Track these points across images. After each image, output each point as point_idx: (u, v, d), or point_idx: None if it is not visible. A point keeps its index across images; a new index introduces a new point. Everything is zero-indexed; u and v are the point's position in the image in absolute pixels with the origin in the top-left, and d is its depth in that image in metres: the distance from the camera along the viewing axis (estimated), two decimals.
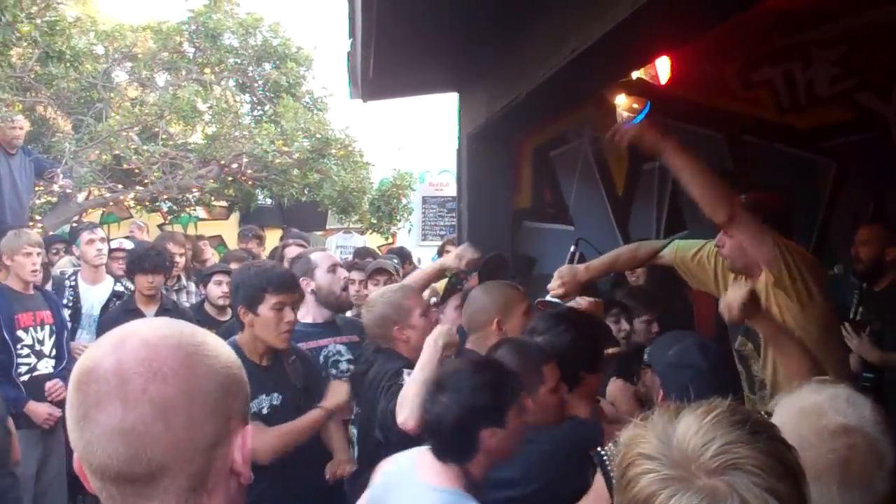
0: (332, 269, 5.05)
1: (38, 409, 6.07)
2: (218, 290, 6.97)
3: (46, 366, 6.27)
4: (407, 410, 3.39)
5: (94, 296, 7.08)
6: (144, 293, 6.61)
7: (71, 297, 6.99)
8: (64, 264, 8.07)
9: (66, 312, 6.89)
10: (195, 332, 1.42)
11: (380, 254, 10.76)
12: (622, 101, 6.99)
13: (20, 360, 6.12)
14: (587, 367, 3.57)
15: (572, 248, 5.15)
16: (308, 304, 4.95)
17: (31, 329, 6.22)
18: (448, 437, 2.79)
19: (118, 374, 1.29)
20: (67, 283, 7.08)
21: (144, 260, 6.58)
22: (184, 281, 7.96)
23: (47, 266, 7.75)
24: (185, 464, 1.31)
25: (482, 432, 2.75)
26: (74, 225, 11.08)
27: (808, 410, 1.96)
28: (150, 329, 1.37)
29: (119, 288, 7.13)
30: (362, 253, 9.84)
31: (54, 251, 8.94)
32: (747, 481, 1.34)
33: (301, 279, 4.79)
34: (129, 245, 7.96)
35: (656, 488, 1.38)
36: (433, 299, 5.44)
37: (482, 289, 4.32)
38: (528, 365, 3.18)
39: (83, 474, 1.36)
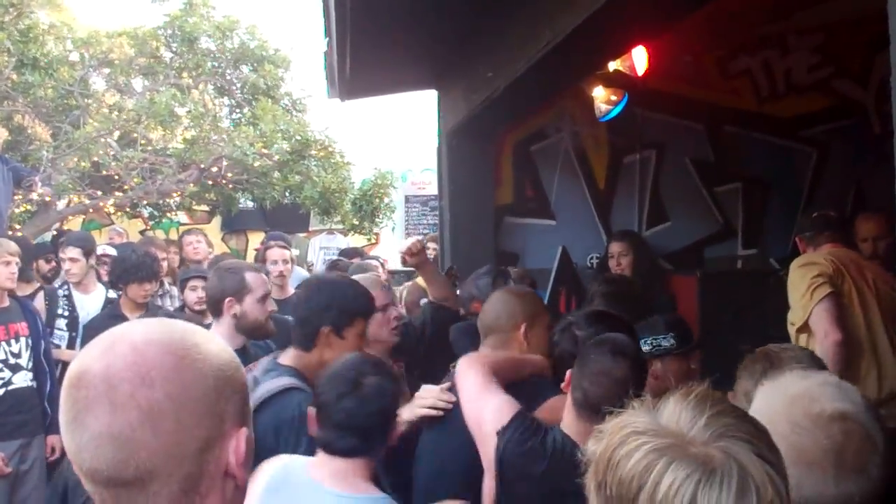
0: (264, 299, 4.56)
1: None
2: (194, 295, 6.87)
3: (24, 379, 6.17)
4: None
5: (88, 304, 6.98)
6: (138, 301, 6.48)
7: (66, 307, 6.92)
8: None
9: (63, 322, 6.81)
10: (187, 333, 1.39)
11: (366, 254, 10.74)
12: (600, 94, 6.99)
13: None
14: None
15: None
16: (223, 326, 4.43)
17: (4, 343, 6.13)
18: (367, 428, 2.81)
19: (106, 380, 1.28)
20: (60, 292, 7.01)
21: (140, 269, 6.42)
22: (167, 286, 7.88)
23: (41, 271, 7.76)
24: (175, 468, 1.30)
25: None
26: (55, 233, 11.04)
27: (800, 396, 1.95)
28: (140, 332, 1.36)
29: (112, 295, 7.04)
30: (349, 253, 9.80)
31: (46, 259, 8.89)
32: (742, 447, 1.35)
33: (226, 299, 4.45)
34: (112, 251, 7.88)
35: (651, 459, 1.36)
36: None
37: (512, 293, 4.15)
38: None
39: (81, 477, 1.34)
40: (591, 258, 8.04)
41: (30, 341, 6.26)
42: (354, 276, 4.41)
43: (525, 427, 2.95)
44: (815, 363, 2.77)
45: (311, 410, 2.92)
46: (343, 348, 3.51)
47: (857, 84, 7.04)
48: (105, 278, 7.37)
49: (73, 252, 6.94)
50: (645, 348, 3.62)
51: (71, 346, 6.82)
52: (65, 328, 6.83)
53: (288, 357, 3.61)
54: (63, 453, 6.31)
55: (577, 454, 1.57)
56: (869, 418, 1.90)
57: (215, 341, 1.41)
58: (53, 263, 8.57)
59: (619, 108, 7.04)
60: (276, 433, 3.19)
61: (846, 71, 6.99)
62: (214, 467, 1.35)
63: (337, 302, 3.61)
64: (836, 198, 7.18)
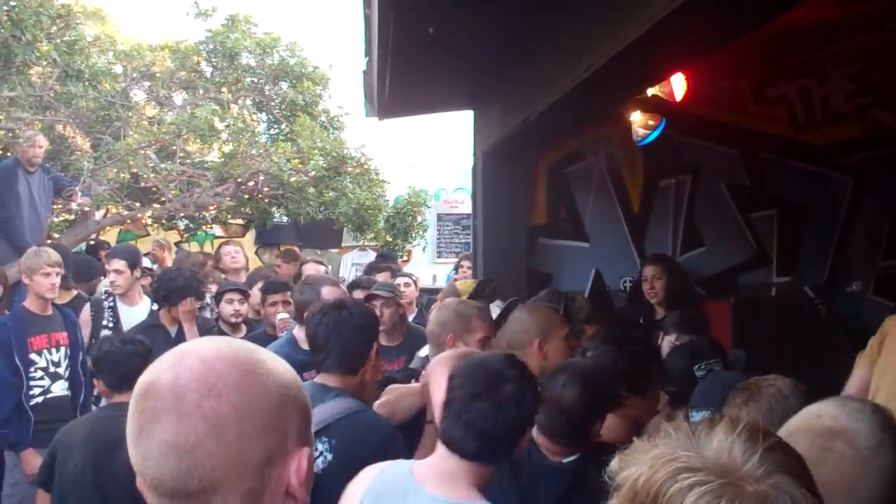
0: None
1: (32, 461, 5.82)
2: (230, 308, 6.93)
3: (61, 388, 6.26)
4: None
5: (134, 316, 7.00)
6: (182, 319, 6.49)
7: (111, 318, 6.98)
8: (104, 285, 8.07)
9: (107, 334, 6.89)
10: (253, 351, 1.43)
11: (397, 266, 10.79)
12: (638, 118, 7.01)
13: (33, 383, 6.12)
14: (629, 387, 3.56)
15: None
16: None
17: (46, 351, 6.21)
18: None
19: (174, 390, 1.32)
20: (106, 304, 7.07)
21: (189, 290, 6.47)
22: (207, 299, 7.94)
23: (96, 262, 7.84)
24: (237, 481, 1.32)
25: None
26: (91, 243, 11.16)
27: (811, 412, 1.96)
28: (208, 347, 1.40)
29: (156, 307, 7.11)
30: (379, 262, 9.85)
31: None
32: (793, 483, 1.34)
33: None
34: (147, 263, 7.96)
35: (710, 499, 1.31)
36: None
37: (524, 309, 4.31)
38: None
39: (141, 489, 1.37)
40: (625, 281, 8.04)
41: (69, 351, 6.35)
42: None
43: None
44: (796, 394, 2.71)
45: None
46: (373, 368, 3.68)
47: (894, 113, 7.01)
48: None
49: (117, 264, 7.01)
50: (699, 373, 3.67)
51: None
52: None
53: (332, 379, 3.60)
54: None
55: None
56: (868, 446, 1.89)
57: (280, 361, 1.45)
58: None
59: (656, 133, 7.06)
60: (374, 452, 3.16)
61: (884, 99, 6.96)
62: (276, 484, 1.37)
63: (372, 326, 3.72)
64: (871, 227, 7.16)
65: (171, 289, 6.58)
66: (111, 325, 6.93)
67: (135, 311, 7.08)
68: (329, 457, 3.35)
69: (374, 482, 2.74)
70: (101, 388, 4.68)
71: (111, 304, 7.06)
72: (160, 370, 1.36)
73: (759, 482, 1.33)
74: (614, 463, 1.49)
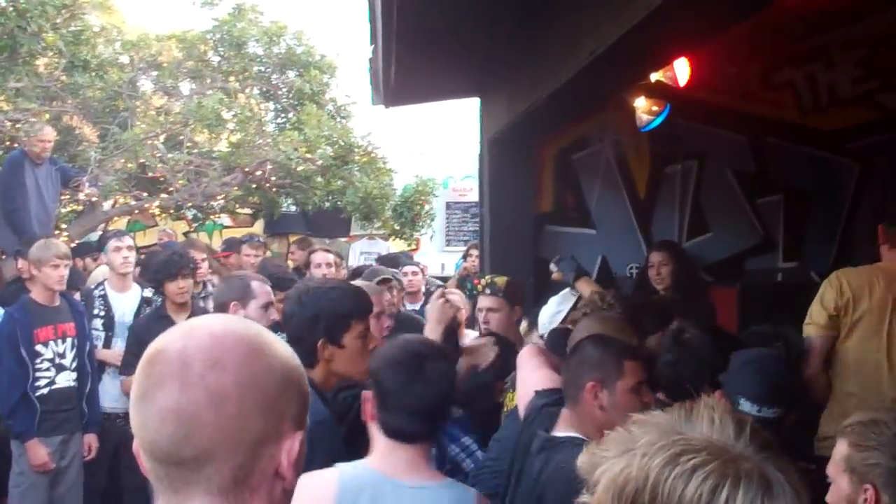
0: (266, 307, 4.68)
1: (38, 451, 6.02)
2: None
3: (67, 379, 6.29)
4: None
5: (124, 303, 7.06)
6: (176, 300, 6.49)
7: (102, 307, 7.00)
8: (99, 274, 8.08)
9: (100, 322, 6.94)
10: (261, 332, 1.47)
11: (405, 260, 10.78)
12: (641, 104, 7.00)
13: (39, 374, 6.16)
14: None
15: None
16: None
17: (52, 342, 6.24)
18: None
19: (181, 358, 1.36)
20: (96, 293, 7.09)
21: (169, 266, 6.47)
22: (210, 287, 7.94)
23: (80, 271, 7.85)
24: (230, 454, 1.35)
25: None
26: (103, 233, 11.20)
27: None
28: (219, 322, 1.45)
29: (147, 294, 7.11)
30: (387, 259, 9.85)
31: (91, 258, 9.02)
32: (778, 460, 1.37)
33: (231, 303, 4.62)
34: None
35: (715, 479, 1.30)
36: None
37: (596, 318, 4.23)
38: (607, 356, 3.20)
39: (138, 457, 1.41)
40: (631, 268, 8.04)
41: (76, 341, 6.37)
42: (354, 282, 4.41)
43: None
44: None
45: (368, 394, 2.94)
46: (347, 356, 3.40)
47: None
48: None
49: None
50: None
51: (107, 345, 6.93)
52: (101, 328, 6.94)
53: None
54: (98, 452, 6.46)
55: None
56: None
57: (286, 345, 1.48)
58: (100, 262, 8.70)
59: (660, 119, 7.04)
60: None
61: (891, 84, 6.91)
62: (267, 463, 1.40)
63: (324, 312, 3.41)
64: (878, 212, 7.13)
65: (154, 268, 6.61)
66: (102, 313, 6.96)
67: (125, 299, 7.12)
68: None
69: (342, 482, 2.76)
70: None
71: (102, 292, 7.08)
72: (170, 339, 1.40)
73: (751, 460, 1.34)
74: (583, 457, 1.50)
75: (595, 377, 3.11)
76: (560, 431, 3.18)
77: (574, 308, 5.17)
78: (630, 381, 3.14)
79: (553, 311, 5.38)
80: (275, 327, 3.85)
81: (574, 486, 2.95)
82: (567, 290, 5.58)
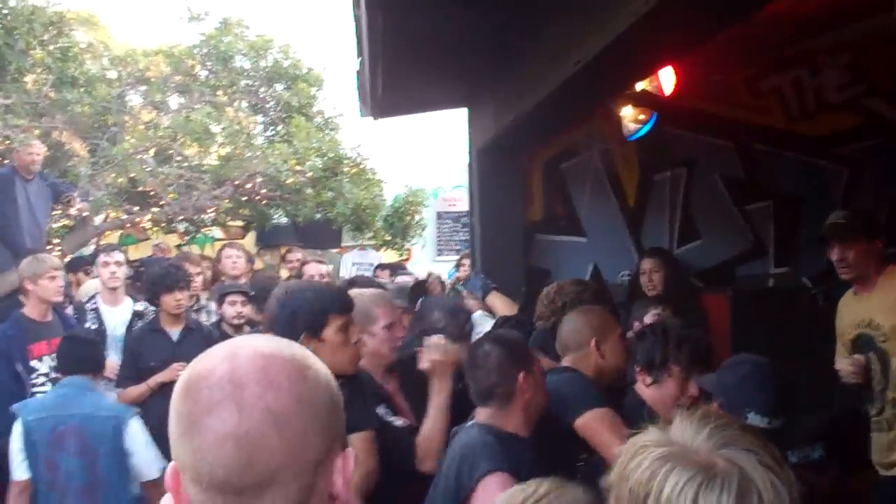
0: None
1: None
2: (232, 310, 6.92)
3: None
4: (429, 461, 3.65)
5: (116, 317, 7.03)
6: (172, 312, 6.45)
7: (95, 320, 6.97)
8: (90, 287, 8.05)
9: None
10: (303, 349, 1.43)
11: (403, 268, 10.82)
12: (628, 113, 7.01)
13: (35, 390, 6.13)
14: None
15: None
16: None
17: (47, 357, 6.22)
18: None
19: (233, 381, 1.29)
20: (88, 306, 7.07)
21: (166, 278, 6.42)
22: (202, 301, 7.92)
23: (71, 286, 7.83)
24: (294, 477, 1.30)
25: None
26: (97, 247, 11.18)
27: None
28: (262, 342, 1.40)
29: (139, 307, 7.10)
30: (390, 268, 9.90)
31: (84, 272, 9.00)
32: (744, 455, 1.41)
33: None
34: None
35: (656, 467, 1.43)
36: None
37: (578, 311, 4.36)
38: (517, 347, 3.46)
39: (175, 487, 1.34)
40: (623, 275, 8.04)
41: None
42: (356, 291, 4.40)
43: None
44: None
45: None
46: (329, 351, 3.45)
47: (888, 102, 6.99)
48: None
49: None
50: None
51: None
52: None
53: None
54: None
55: None
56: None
57: (321, 363, 1.44)
58: (93, 275, 8.68)
59: (646, 128, 7.06)
60: None
61: (878, 89, 6.94)
62: (324, 484, 1.35)
63: (301, 308, 3.56)
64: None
65: (152, 280, 6.58)
66: (95, 326, 6.93)
67: (117, 312, 7.08)
68: None
69: None
70: None
71: (94, 305, 7.06)
72: (211, 363, 1.34)
73: (709, 453, 1.42)
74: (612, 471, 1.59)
75: (522, 367, 3.33)
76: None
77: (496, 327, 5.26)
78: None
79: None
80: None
81: (464, 466, 3.05)
82: (479, 312, 5.64)
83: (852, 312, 4.87)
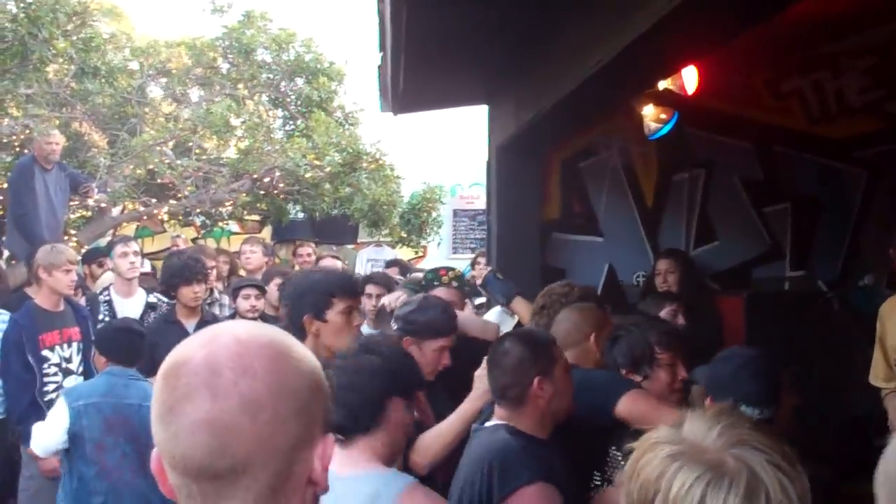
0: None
1: (43, 464, 5.82)
2: (246, 303, 6.95)
3: (74, 383, 6.32)
4: (427, 459, 3.67)
5: (129, 308, 7.03)
6: (190, 305, 6.52)
7: (107, 312, 6.98)
8: (106, 280, 8.08)
9: None
10: (284, 335, 1.43)
11: (411, 267, 10.80)
12: (650, 112, 6.99)
13: (47, 379, 6.16)
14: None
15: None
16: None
17: (58, 347, 6.25)
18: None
19: (209, 367, 1.31)
20: (101, 298, 7.09)
21: (185, 270, 6.47)
22: (216, 294, 7.96)
23: (81, 275, 7.85)
24: (268, 462, 1.31)
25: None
26: (112, 238, 11.23)
27: None
28: (241, 328, 1.40)
29: (152, 300, 7.12)
30: (392, 265, 9.89)
31: (98, 264, 9.04)
32: (754, 454, 1.41)
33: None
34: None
35: (666, 465, 1.45)
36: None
37: (574, 308, 4.39)
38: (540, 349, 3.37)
39: (160, 472, 1.36)
40: (638, 276, 8.03)
41: (81, 346, 6.39)
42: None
43: None
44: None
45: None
46: (331, 330, 3.76)
47: None
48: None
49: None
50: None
51: None
52: None
53: None
54: None
55: None
56: None
57: (305, 348, 1.45)
58: (107, 267, 8.72)
59: (668, 127, 7.04)
60: None
61: None
62: (301, 469, 1.37)
63: (307, 289, 3.82)
64: (886, 220, 7.12)
65: (171, 272, 6.60)
66: (108, 318, 6.94)
67: (130, 304, 7.10)
68: None
69: None
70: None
71: (107, 297, 7.08)
72: (191, 349, 1.36)
73: (719, 452, 1.44)
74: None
75: (539, 371, 3.26)
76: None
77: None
78: (563, 363, 3.37)
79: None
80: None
81: (480, 467, 3.04)
82: (500, 309, 5.64)
83: None
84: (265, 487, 1.32)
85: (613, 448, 3.63)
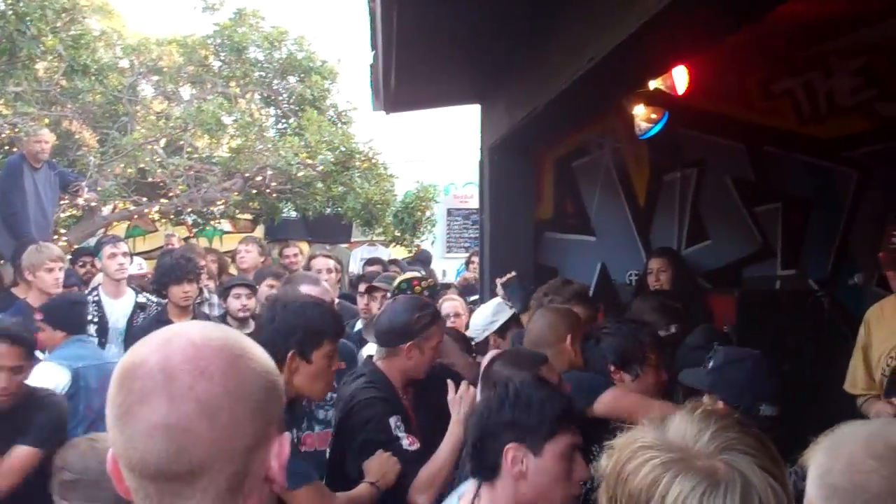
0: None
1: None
2: (237, 303, 6.92)
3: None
4: (427, 496, 3.59)
5: (118, 309, 7.04)
6: (180, 304, 6.51)
7: (96, 313, 6.97)
8: (99, 281, 8.06)
9: (93, 328, 6.83)
10: (240, 336, 1.43)
11: (402, 265, 10.79)
12: (640, 112, 6.99)
13: None
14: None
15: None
16: None
17: None
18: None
19: (164, 371, 1.30)
20: (90, 298, 7.06)
21: (176, 269, 6.46)
22: (206, 294, 7.94)
23: (77, 275, 7.83)
24: (225, 464, 1.32)
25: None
26: (101, 238, 11.20)
27: (875, 433, 1.86)
28: (195, 330, 1.39)
29: (141, 300, 7.11)
30: (374, 263, 9.87)
31: (81, 263, 9.00)
32: (745, 460, 1.41)
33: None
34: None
35: (658, 473, 1.44)
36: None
37: (550, 310, 4.40)
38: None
39: (116, 474, 1.36)
40: (630, 275, 8.05)
41: None
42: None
43: None
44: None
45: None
46: (310, 372, 3.42)
47: None
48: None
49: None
50: None
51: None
52: (94, 333, 6.87)
53: None
54: None
55: None
56: None
57: (260, 348, 1.45)
58: (89, 267, 8.70)
59: (658, 127, 7.03)
60: None
61: (889, 93, 6.92)
62: (258, 468, 1.38)
63: (301, 325, 3.44)
64: (876, 220, 7.13)
65: (162, 271, 6.59)
66: (96, 319, 6.92)
67: (119, 304, 7.10)
68: None
69: None
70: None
71: (96, 297, 7.06)
72: (146, 351, 1.35)
73: (710, 458, 1.43)
74: (602, 458, 1.63)
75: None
76: None
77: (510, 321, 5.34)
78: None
79: (488, 320, 5.46)
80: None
81: None
82: (500, 300, 5.63)
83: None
84: (223, 488, 1.33)
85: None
